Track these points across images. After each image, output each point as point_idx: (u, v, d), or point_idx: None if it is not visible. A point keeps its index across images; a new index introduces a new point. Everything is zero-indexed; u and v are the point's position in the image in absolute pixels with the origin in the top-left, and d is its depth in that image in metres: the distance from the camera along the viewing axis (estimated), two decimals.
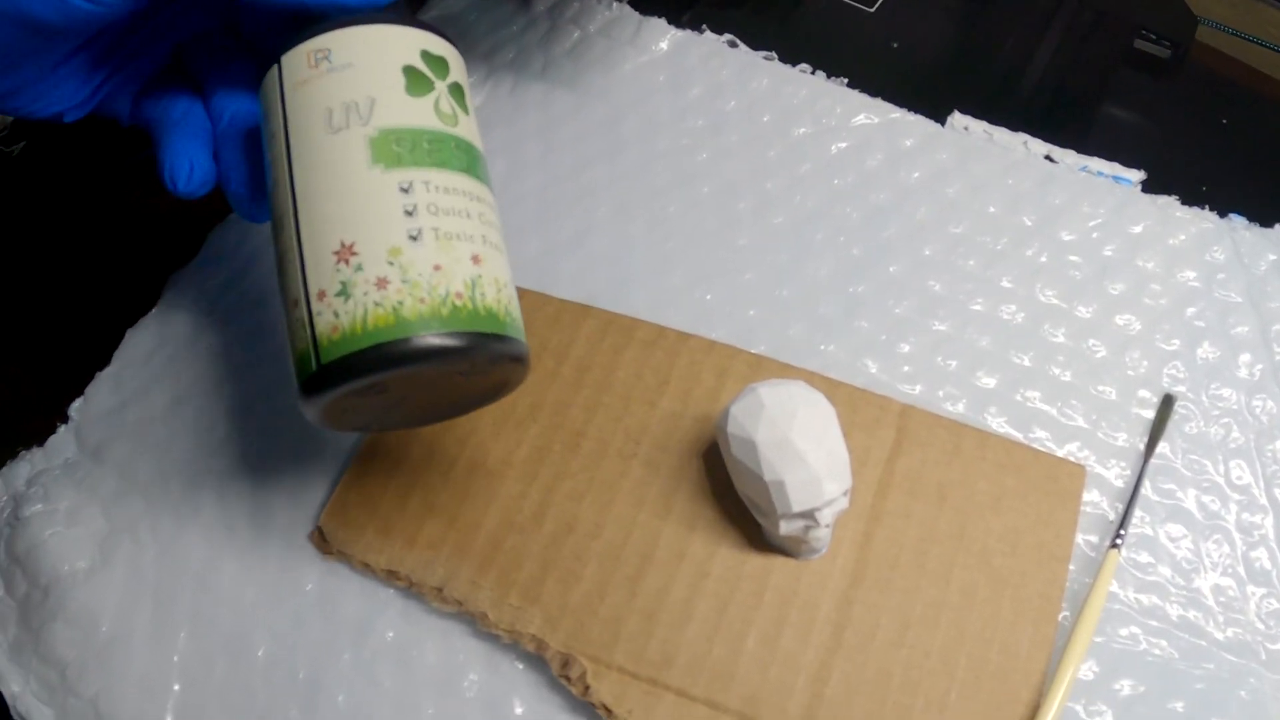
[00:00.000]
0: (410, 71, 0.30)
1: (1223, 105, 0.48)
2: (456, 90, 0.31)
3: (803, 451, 0.32)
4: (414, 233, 0.28)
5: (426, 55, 0.30)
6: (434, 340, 0.27)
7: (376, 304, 0.27)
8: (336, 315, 0.27)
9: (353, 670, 0.34)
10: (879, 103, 0.45)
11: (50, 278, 0.47)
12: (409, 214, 0.28)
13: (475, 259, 0.28)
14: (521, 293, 0.39)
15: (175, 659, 0.35)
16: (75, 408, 0.40)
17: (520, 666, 0.34)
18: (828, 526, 0.33)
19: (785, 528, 0.33)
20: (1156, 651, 0.35)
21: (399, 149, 0.28)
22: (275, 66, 0.30)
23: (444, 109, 0.30)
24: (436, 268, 0.27)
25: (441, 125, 0.30)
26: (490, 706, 0.34)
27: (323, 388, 0.27)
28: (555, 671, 0.33)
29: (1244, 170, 0.44)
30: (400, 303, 0.27)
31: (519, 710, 0.34)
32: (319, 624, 0.35)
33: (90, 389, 0.40)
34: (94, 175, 0.49)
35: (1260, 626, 0.36)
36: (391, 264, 0.27)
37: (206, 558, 0.36)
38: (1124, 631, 0.36)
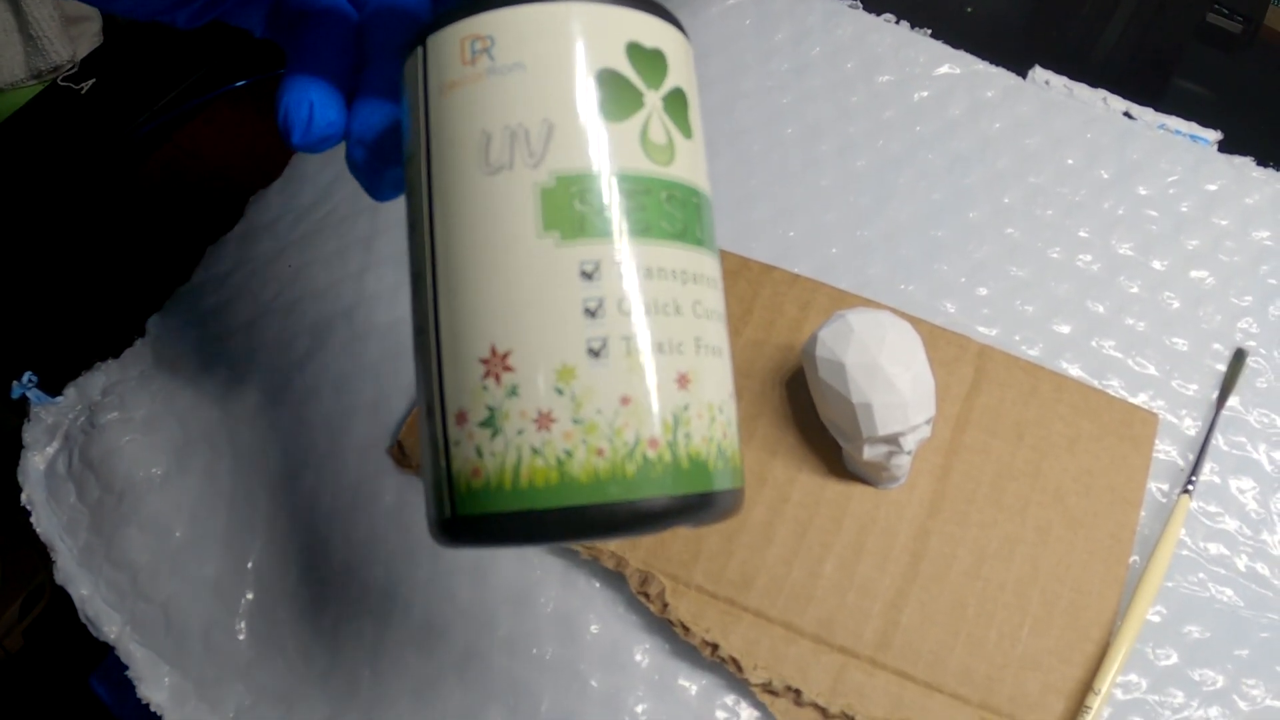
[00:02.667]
0: (609, 80, 0.20)
1: None
2: (676, 102, 0.21)
3: (891, 376, 0.31)
4: (596, 345, 0.19)
5: (636, 51, 0.21)
6: (611, 511, 0.19)
7: (535, 451, 0.19)
8: (479, 454, 0.19)
9: (428, 583, 0.33)
10: (962, 54, 0.44)
11: (133, 200, 0.45)
12: (591, 314, 0.19)
13: (682, 380, 0.20)
14: None
15: (249, 565, 0.34)
16: (152, 322, 0.39)
17: (597, 585, 0.33)
18: (910, 454, 0.32)
19: (869, 452, 0.32)
20: (1223, 599, 0.34)
21: (584, 208, 0.19)
22: (419, 49, 0.21)
23: (655, 138, 0.20)
24: (625, 401, 0.19)
25: (650, 166, 0.20)
26: (565, 623, 0.33)
27: (457, 540, 0.21)
28: (634, 589, 0.32)
29: None
30: (568, 454, 0.19)
31: (594, 629, 0.33)
32: (395, 537, 0.34)
33: (169, 304, 0.39)
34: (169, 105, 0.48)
35: None
36: (560, 392, 0.19)
37: (284, 468, 0.35)
38: (1192, 578, 0.35)
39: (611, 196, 0.20)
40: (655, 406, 0.19)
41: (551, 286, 0.19)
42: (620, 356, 0.19)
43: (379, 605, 0.33)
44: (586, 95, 0.20)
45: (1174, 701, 0.33)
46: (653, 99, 0.21)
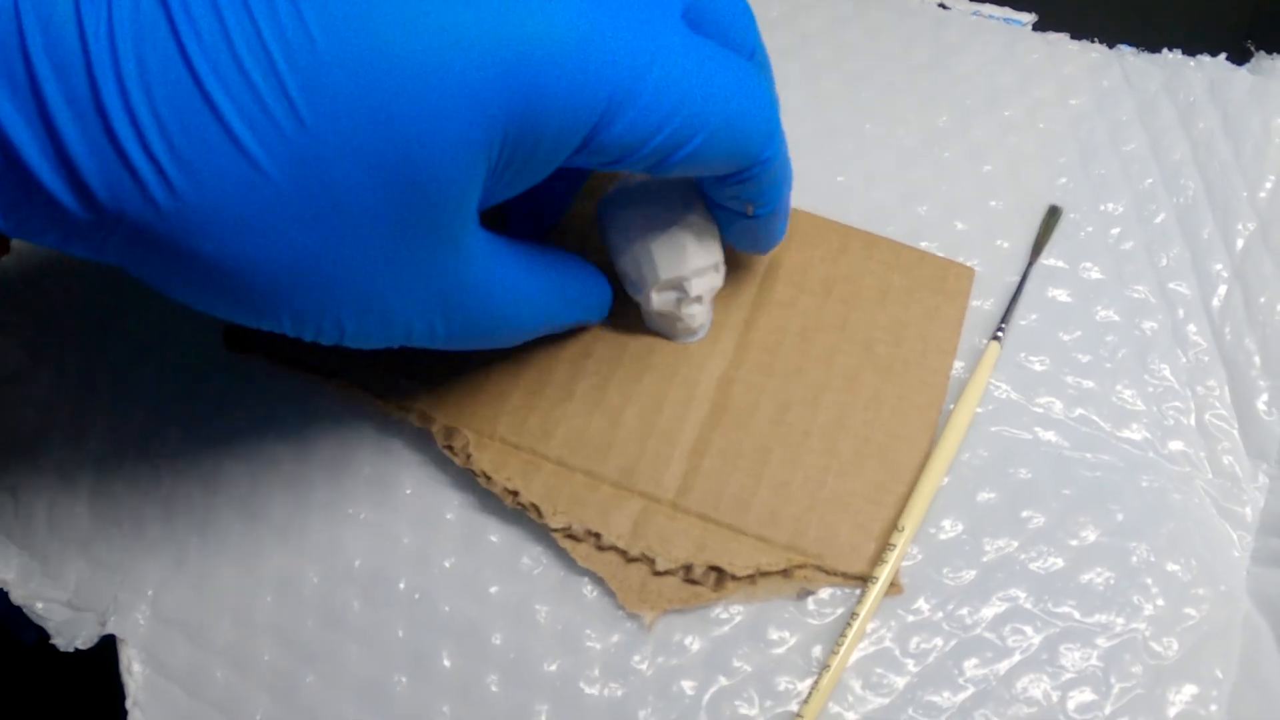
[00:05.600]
0: None
1: None
2: None
3: (669, 220, 0.30)
4: None
5: None
6: None
7: None
8: None
9: (252, 451, 0.32)
10: None
11: None
12: None
13: None
14: None
15: (90, 448, 0.33)
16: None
17: (411, 450, 0.32)
18: (699, 300, 0.30)
19: (658, 300, 0.30)
20: (1048, 440, 0.32)
21: None
22: None
23: None
24: None
25: None
26: (379, 485, 0.31)
27: None
28: (440, 443, 0.31)
29: (1128, 5, 0.41)
30: None
31: (408, 491, 0.31)
32: (224, 416, 0.33)
33: None
34: None
35: (1159, 421, 0.32)
36: None
37: (125, 356, 0.34)
38: (1015, 422, 0.32)
39: None
40: None
41: None
42: None
43: (207, 477, 0.32)
44: None
45: (996, 543, 0.31)
46: None
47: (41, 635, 0.31)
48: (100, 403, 0.33)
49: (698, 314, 0.31)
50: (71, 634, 0.30)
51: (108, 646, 0.30)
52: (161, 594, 0.31)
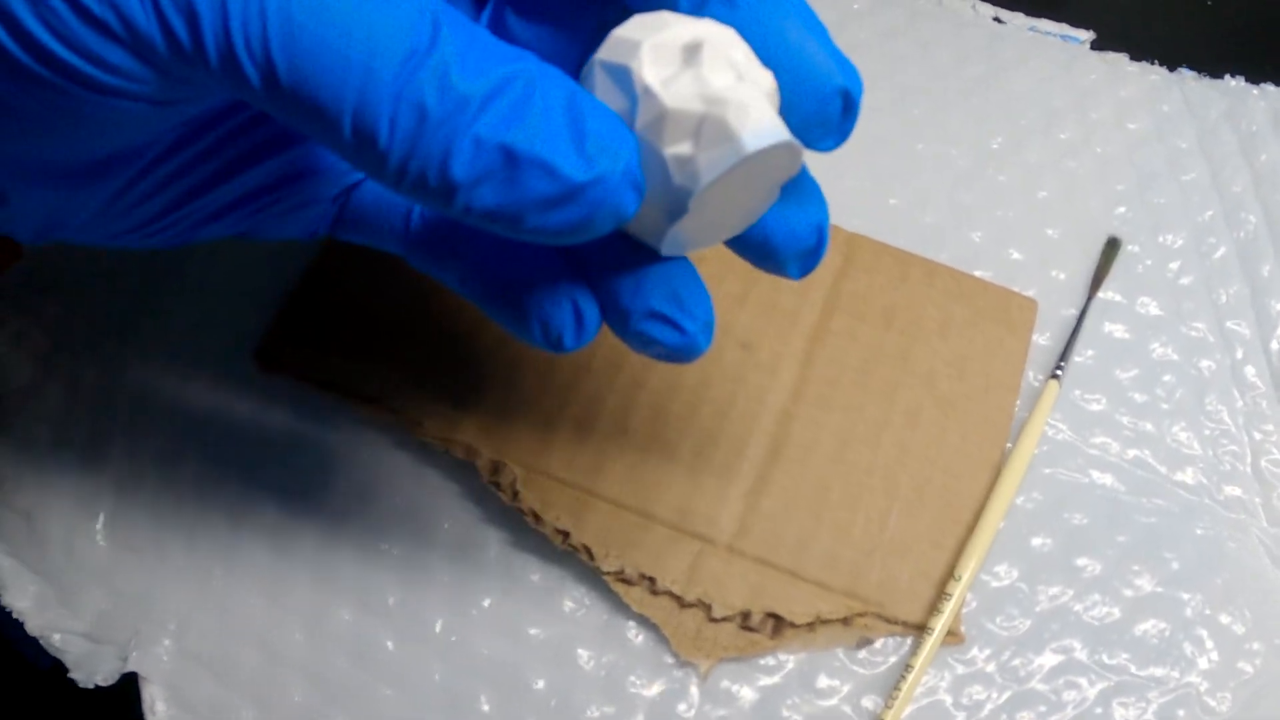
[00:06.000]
0: None
1: None
2: None
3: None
4: None
5: None
6: None
7: None
8: None
9: (281, 479, 0.30)
10: None
11: None
12: None
13: None
14: None
15: (108, 472, 0.31)
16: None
17: (448, 480, 0.30)
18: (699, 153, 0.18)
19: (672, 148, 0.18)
20: (1104, 485, 0.31)
21: None
22: None
23: None
24: None
25: None
26: (414, 518, 0.29)
27: None
28: (484, 478, 0.29)
29: (1191, 26, 0.40)
30: None
31: (446, 525, 0.30)
32: (250, 440, 0.31)
33: None
34: None
35: (1215, 465, 0.31)
36: None
37: (144, 376, 0.32)
38: (1071, 464, 0.31)
39: None
40: None
41: None
42: None
43: (232, 505, 0.30)
44: None
45: (1050, 590, 0.30)
46: None
47: (57, 661, 0.29)
48: (118, 422, 0.31)
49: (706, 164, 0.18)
50: (91, 668, 0.29)
51: (127, 675, 0.29)
52: (185, 627, 0.29)
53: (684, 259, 0.21)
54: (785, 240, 0.21)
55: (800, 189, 0.21)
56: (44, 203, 0.20)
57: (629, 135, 0.17)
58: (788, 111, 0.19)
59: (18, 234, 0.21)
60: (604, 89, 0.18)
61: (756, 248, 0.21)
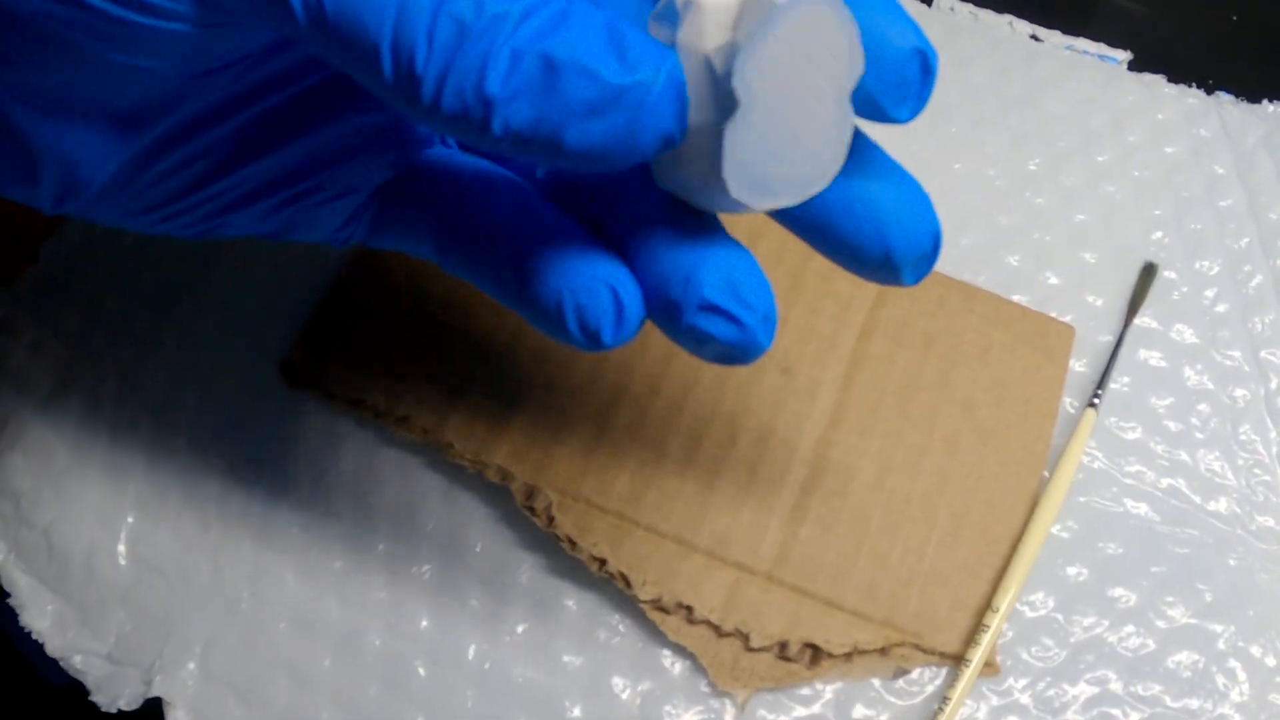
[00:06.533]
0: None
1: None
2: None
3: None
4: None
5: None
6: None
7: None
8: None
9: (309, 499, 0.29)
10: None
11: None
12: None
13: None
14: None
15: (130, 489, 0.30)
16: (46, 247, 0.34)
17: (480, 503, 0.29)
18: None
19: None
20: (1139, 515, 0.30)
21: None
22: None
23: None
24: None
25: None
26: (447, 541, 0.29)
27: None
28: (519, 503, 0.28)
29: (1232, 49, 0.39)
30: None
31: (478, 548, 0.29)
32: (277, 457, 0.30)
33: (62, 228, 0.35)
34: None
35: (1249, 496, 0.31)
36: None
37: (166, 390, 0.31)
38: (1106, 494, 0.31)
39: None
40: None
41: None
42: None
43: (259, 526, 0.29)
44: None
45: (1085, 620, 0.29)
46: None
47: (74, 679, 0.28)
48: (140, 436, 0.30)
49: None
50: (114, 691, 0.28)
51: (150, 699, 0.28)
52: (210, 650, 0.28)
53: (740, 247, 0.19)
54: (899, 238, 0.20)
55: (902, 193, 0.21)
56: (70, 150, 0.19)
57: (670, 50, 0.17)
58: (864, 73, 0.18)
59: (39, 192, 0.20)
60: (654, 30, 0.18)
61: (868, 246, 0.21)
